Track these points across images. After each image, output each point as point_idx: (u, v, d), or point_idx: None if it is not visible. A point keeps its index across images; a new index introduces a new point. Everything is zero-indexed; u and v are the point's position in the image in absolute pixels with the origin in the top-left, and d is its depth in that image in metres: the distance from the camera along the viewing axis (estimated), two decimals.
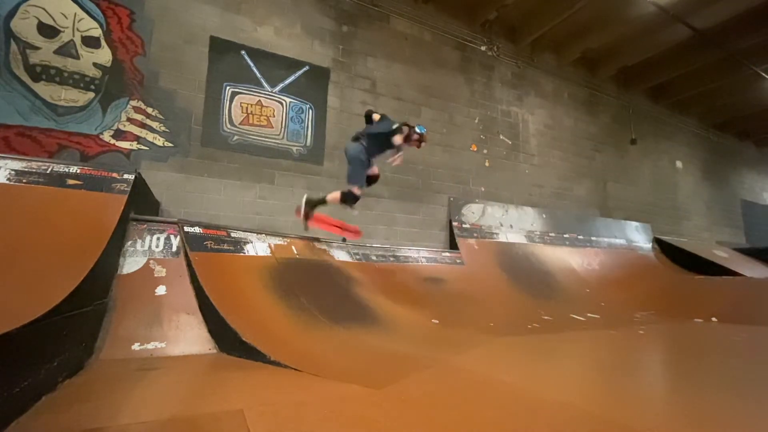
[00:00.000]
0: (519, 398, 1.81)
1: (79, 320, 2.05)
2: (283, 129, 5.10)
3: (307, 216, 3.99)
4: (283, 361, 2.20)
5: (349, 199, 3.80)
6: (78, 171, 2.84)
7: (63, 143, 3.92)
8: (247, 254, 3.52)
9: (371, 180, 3.96)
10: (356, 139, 3.84)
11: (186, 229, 3.18)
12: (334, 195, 3.86)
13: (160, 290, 2.77)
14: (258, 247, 3.67)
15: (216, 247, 3.32)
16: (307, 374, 2.05)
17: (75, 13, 4.12)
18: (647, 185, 9.22)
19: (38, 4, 3.96)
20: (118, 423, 1.40)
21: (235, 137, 4.80)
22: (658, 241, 8.22)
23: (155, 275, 2.83)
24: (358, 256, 4.59)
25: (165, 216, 4.02)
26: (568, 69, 8.13)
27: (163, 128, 4.40)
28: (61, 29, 4.04)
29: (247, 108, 4.91)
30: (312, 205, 3.97)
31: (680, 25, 6.87)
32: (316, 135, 5.31)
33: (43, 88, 3.90)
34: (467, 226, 6.07)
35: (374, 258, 4.69)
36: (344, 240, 4.48)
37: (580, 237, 7.13)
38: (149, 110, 4.36)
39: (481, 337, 3.29)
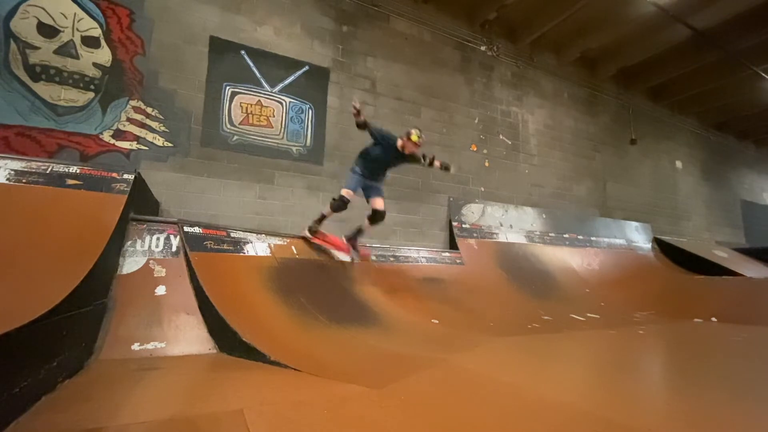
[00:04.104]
0: (519, 398, 1.81)
1: (78, 320, 2.05)
2: (282, 129, 5.10)
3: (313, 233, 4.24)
4: (283, 361, 2.20)
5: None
6: (78, 171, 2.84)
7: (63, 143, 3.92)
8: (246, 254, 3.52)
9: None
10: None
11: (186, 229, 3.19)
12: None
13: (160, 290, 2.77)
14: (258, 247, 3.67)
15: (216, 247, 3.32)
16: (307, 374, 2.05)
17: (75, 13, 4.12)
18: (647, 185, 9.21)
19: (38, 4, 3.95)
20: (118, 423, 1.40)
21: (235, 137, 4.79)
22: (657, 241, 8.21)
23: (155, 275, 2.84)
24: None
25: (165, 216, 4.02)
26: (568, 69, 8.13)
27: (162, 128, 4.40)
28: (61, 29, 4.04)
29: (246, 108, 4.91)
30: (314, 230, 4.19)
31: (680, 25, 6.87)
32: (315, 135, 5.31)
33: (42, 88, 3.89)
34: (467, 226, 6.07)
35: (374, 258, 4.69)
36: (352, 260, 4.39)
37: (580, 237, 7.12)
38: (149, 110, 4.36)
39: (480, 337, 3.28)
